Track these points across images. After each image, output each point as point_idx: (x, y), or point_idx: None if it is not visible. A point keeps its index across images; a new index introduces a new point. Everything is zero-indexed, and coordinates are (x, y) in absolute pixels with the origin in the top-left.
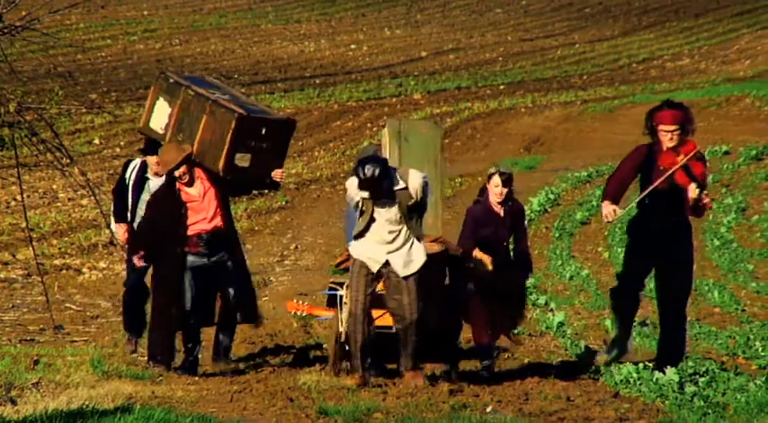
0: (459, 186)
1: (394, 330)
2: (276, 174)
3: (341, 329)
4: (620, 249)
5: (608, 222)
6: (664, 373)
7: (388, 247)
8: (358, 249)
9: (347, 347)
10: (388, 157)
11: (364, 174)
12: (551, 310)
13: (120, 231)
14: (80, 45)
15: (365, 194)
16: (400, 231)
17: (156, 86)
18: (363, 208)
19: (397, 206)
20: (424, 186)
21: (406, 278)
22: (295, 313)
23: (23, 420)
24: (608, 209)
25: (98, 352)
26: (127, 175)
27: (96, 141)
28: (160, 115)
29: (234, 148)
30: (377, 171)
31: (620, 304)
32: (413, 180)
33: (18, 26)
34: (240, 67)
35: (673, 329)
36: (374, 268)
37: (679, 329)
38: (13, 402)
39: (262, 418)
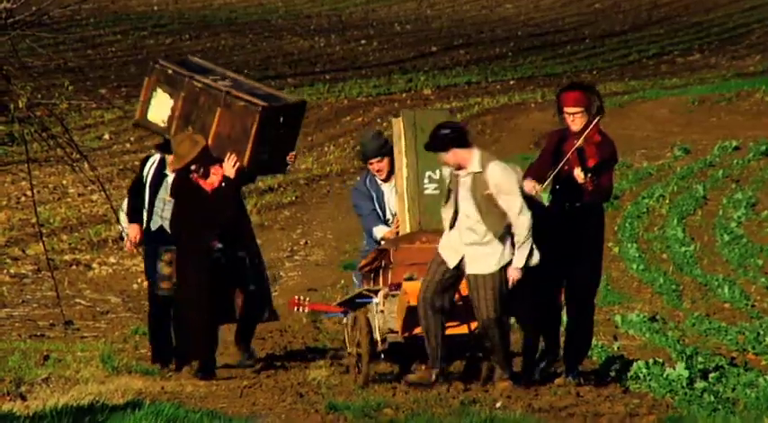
0: None
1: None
2: (289, 157)
3: (376, 337)
4: (630, 245)
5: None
6: (573, 371)
7: (468, 239)
8: (441, 242)
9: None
10: (402, 148)
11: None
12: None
13: (132, 232)
14: (90, 40)
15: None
16: (478, 226)
17: (152, 77)
18: (450, 187)
19: (472, 195)
20: (502, 176)
21: (476, 276)
22: (297, 310)
23: (33, 416)
24: (530, 184)
25: (108, 347)
26: (145, 172)
27: (106, 136)
28: (160, 107)
29: (258, 142)
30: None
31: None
32: (492, 171)
33: (28, 21)
34: (250, 61)
35: (576, 323)
36: (450, 262)
37: (582, 324)
38: (23, 398)
39: (271, 413)
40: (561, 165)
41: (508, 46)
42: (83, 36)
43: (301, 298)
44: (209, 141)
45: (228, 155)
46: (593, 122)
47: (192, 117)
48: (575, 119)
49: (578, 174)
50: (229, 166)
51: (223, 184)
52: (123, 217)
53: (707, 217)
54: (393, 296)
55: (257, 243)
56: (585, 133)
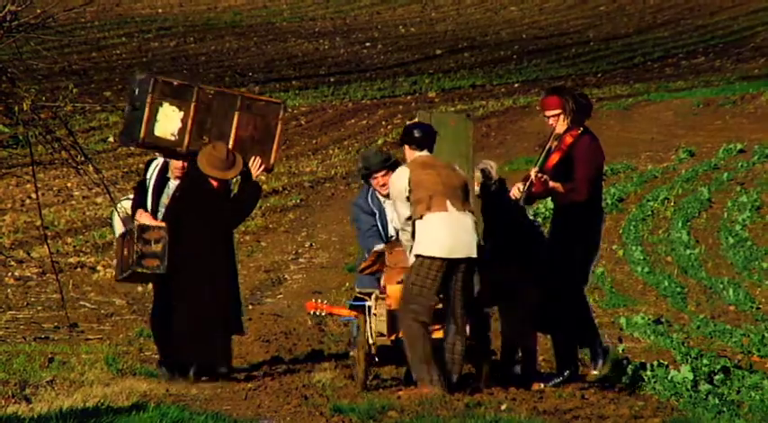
0: None
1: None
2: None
3: (371, 342)
4: (634, 247)
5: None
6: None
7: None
8: None
9: (376, 359)
10: None
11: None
12: None
13: (140, 213)
14: (95, 43)
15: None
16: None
17: (155, 93)
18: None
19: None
20: (390, 187)
21: None
22: (314, 313)
23: (38, 418)
24: (514, 187)
25: (112, 350)
26: (148, 175)
27: (111, 139)
28: (168, 121)
29: (281, 140)
30: None
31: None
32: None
33: (33, 24)
34: (255, 64)
35: (562, 328)
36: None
37: (564, 330)
38: (28, 400)
39: (276, 416)
40: (536, 166)
41: (513, 49)
42: (87, 39)
43: (319, 301)
44: (230, 147)
45: (253, 159)
46: (555, 130)
47: (207, 125)
48: (553, 122)
49: (533, 172)
50: (254, 170)
51: (245, 186)
52: (117, 220)
53: (712, 220)
54: (382, 299)
55: (236, 261)
56: (552, 135)
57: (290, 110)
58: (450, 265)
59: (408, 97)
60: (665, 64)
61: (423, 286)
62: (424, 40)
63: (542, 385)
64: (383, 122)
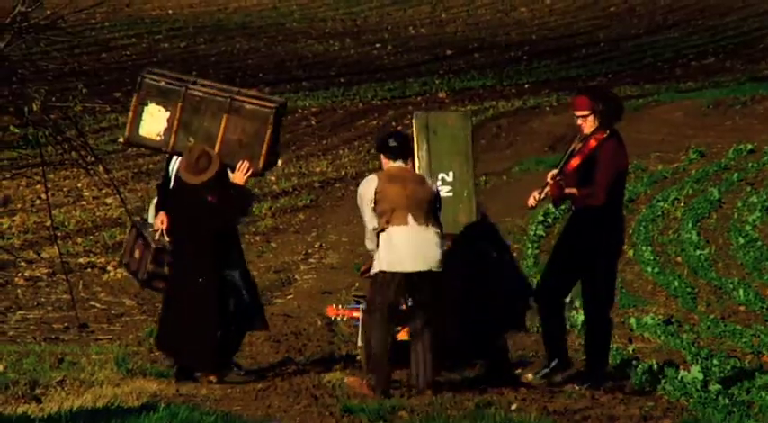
0: (485, 185)
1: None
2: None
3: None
4: (644, 248)
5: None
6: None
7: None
8: None
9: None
10: (416, 150)
11: None
12: (575, 308)
13: (158, 219)
14: (105, 44)
15: None
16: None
17: (142, 92)
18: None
19: None
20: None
21: None
22: (335, 318)
23: (48, 418)
24: (531, 197)
25: (122, 350)
26: (170, 169)
27: (121, 140)
28: (152, 121)
29: (273, 143)
30: None
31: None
32: None
33: (43, 25)
34: (265, 65)
35: (586, 331)
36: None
37: (589, 332)
38: (38, 400)
39: (286, 416)
40: (557, 170)
41: (523, 50)
42: (97, 39)
43: (340, 306)
44: (216, 149)
45: (240, 163)
46: (590, 142)
47: (194, 127)
48: (583, 122)
49: (550, 175)
50: (241, 175)
51: (232, 190)
52: (152, 210)
53: (722, 220)
54: None
55: (244, 259)
56: (578, 136)
57: (300, 110)
58: (410, 278)
59: (419, 98)
60: (675, 65)
61: (382, 302)
62: (434, 41)
63: (530, 376)
64: (393, 123)
